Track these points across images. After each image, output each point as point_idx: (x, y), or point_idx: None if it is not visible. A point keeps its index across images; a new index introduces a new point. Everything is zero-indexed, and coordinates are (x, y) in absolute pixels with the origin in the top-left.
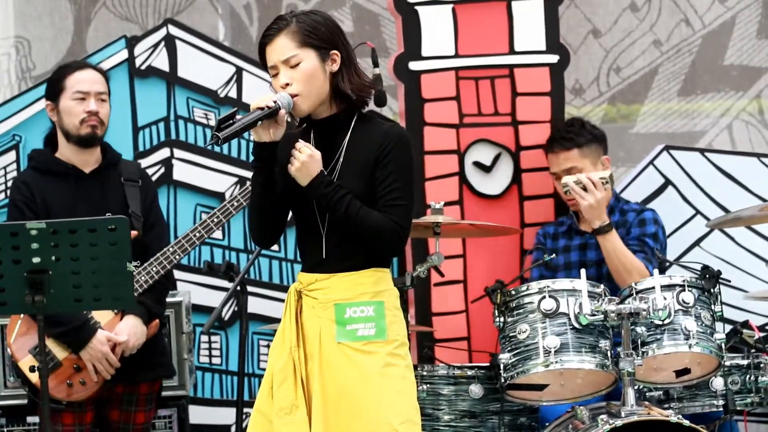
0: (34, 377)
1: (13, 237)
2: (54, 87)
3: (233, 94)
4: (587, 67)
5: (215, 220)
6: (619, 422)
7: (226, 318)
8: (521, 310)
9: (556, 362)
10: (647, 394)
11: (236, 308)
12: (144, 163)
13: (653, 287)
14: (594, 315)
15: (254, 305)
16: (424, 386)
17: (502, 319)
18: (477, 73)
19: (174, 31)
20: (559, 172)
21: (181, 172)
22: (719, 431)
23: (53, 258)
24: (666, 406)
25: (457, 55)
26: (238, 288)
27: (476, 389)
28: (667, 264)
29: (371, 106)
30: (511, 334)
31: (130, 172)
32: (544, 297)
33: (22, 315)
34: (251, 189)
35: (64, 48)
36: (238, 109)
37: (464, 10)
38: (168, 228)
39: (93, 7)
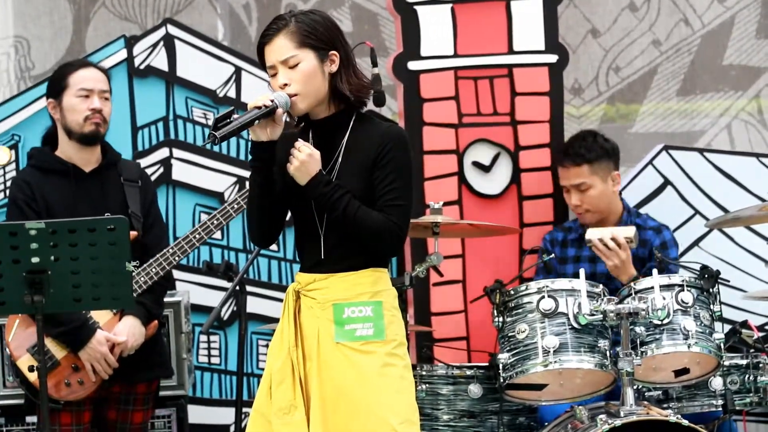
0: (32, 376)
1: (12, 237)
2: (57, 84)
3: (232, 93)
4: (586, 66)
5: (215, 222)
6: (618, 422)
7: (225, 318)
8: (520, 310)
9: (555, 362)
10: (646, 393)
11: (235, 308)
12: (143, 162)
13: (652, 287)
14: (593, 315)
15: (253, 305)
16: (423, 386)
17: (501, 319)
18: (476, 72)
19: (173, 30)
20: (568, 186)
21: (180, 172)
22: (718, 431)
23: (52, 258)
24: (665, 405)
25: (456, 55)
26: (237, 288)
27: (475, 389)
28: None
29: (370, 105)
30: (510, 334)
31: (129, 172)
32: (543, 297)
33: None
34: (249, 189)
35: (64, 48)
36: (235, 108)
37: (463, 9)
38: (167, 228)
39: (92, 6)
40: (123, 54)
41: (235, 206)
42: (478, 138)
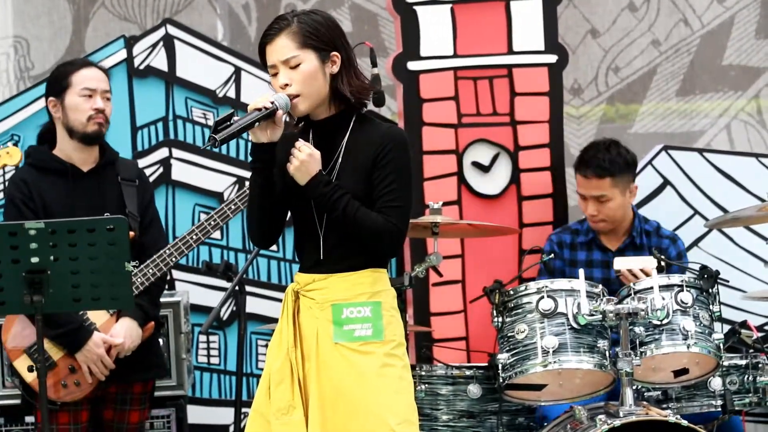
0: (30, 377)
1: (11, 237)
2: (58, 83)
3: (232, 93)
4: (586, 67)
5: (212, 222)
6: (617, 422)
7: (225, 318)
8: (520, 310)
9: (555, 362)
10: (645, 394)
11: (234, 308)
12: (142, 162)
13: (651, 287)
14: (592, 315)
15: (253, 305)
16: (423, 386)
17: (500, 319)
18: (475, 73)
19: (173, 30)
20: (587, 196)
21: (179, 172)
22: (717, 431)
23: (52, 258)
24: (664, 406)
25: (455, 55)
26: (237, 288)
27: (474, 389)
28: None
29: (369, 106)
30: (509, 334)
31: (127, 171)
32: (542, 297)
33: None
34: (250, 189)
35: (63, 48)
36: (236, 110)
37: (463, 10)
38: (165, 228)
39: (92, 6)
40: (122, 54)
41: (233, 207)
42: (478, 138)
